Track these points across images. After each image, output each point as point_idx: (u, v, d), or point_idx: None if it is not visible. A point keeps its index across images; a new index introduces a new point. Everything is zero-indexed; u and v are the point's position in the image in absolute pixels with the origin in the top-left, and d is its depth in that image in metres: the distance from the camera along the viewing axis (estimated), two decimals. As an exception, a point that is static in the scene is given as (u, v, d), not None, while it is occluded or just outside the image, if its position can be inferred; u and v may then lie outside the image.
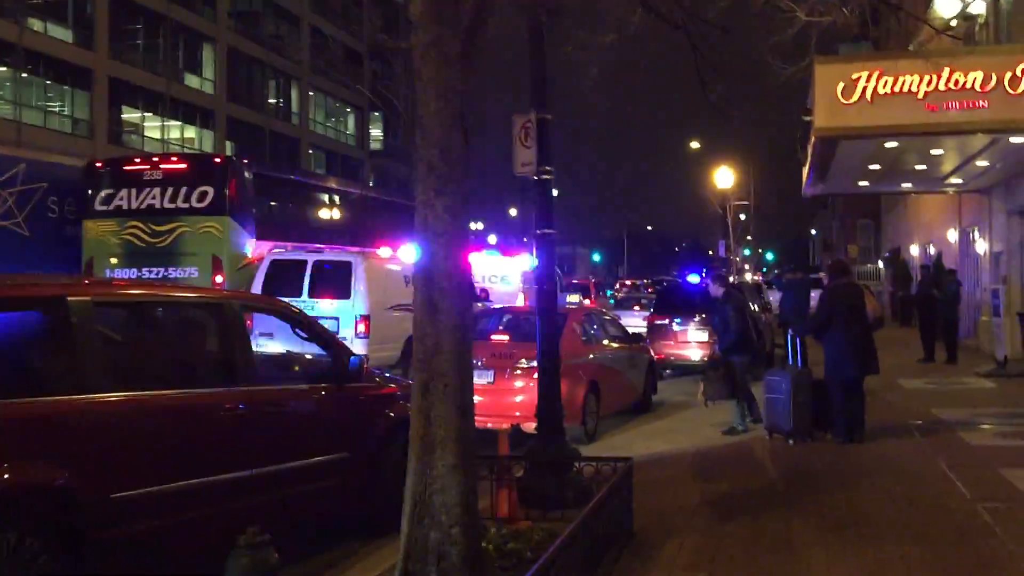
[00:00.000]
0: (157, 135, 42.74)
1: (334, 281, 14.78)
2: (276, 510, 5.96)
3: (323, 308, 14.49)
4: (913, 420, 11.37)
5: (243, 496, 5.71)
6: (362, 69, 63.30)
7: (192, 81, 45.60)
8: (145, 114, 42.74)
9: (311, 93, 57.87)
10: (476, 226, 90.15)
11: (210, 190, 16.33)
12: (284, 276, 15.03)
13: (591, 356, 11.57)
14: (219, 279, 16.11)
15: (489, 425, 10.42)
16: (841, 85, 13.96)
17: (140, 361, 5.92)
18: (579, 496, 6.89)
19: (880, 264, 43.57)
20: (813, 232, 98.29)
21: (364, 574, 6.08)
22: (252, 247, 16.73)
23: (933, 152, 17.60)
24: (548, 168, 7.65)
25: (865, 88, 13.94)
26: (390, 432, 7.02)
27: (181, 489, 5.30)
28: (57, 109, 38.25)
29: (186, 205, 16.34)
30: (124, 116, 41.60)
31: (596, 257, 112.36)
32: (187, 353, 6.34)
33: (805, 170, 20.76)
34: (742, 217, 49.50)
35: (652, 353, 14.27)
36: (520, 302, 22.88)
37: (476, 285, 19.76)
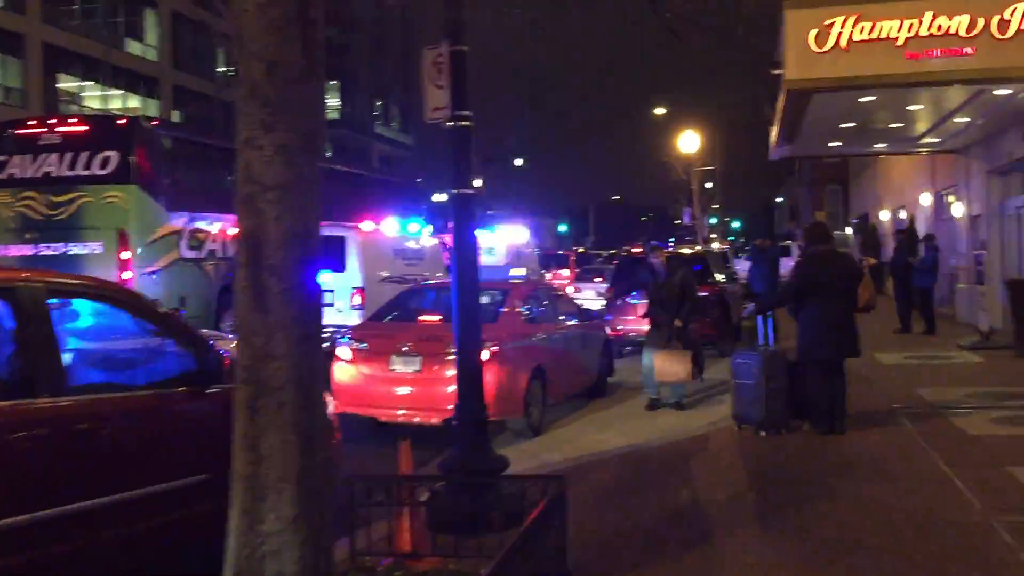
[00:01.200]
0: (98, 104, 40.60)
1: (328, 254, 14.71)
2: (100, 557, 4.53)
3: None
4: (898, 404, 10.08)
5: (45, 544, 4.27)
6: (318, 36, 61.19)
7: (134, 47, 43.43)
8: (84, 82, 40.62)
9: (263, 61, 55.66)
10: (440, 198, 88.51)
11: (114, 155, 14.49)
12: None
13: (536, 337, 10.17)
14: (125, 255, 14.45)
15: (417, 420, 9.10)
16: (814, 32, 12.58)
17: None
18: (507, 518, 5.51)
19: (848, 230, 42.53)
20: (779, 200, 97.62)
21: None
22: (165, 219, 15.11)
23: (910, 108, 16.33)
24: (466, 113, 6.19)
25: (840, 35, 12.57)
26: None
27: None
28: (-14, 77, 36.10)
29: (87, 172, 14.55)
30: (60, 85, 39.43)
31: (562, 228, 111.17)
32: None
33: (774, 131, 19.41)
34: (708, 185, 48.23)
35: (607, 331, 12.89)
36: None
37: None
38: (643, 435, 9.40)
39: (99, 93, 41.18)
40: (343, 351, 9.55)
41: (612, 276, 16.89)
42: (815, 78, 13.26)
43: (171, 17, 45.13)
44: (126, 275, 14.36)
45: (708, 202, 46.46)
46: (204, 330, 8.39)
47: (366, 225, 16.61)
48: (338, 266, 15.52)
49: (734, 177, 54.53)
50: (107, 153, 14.59)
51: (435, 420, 8.86)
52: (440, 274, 17.52)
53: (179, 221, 15.33)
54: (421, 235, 18.93)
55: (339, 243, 15.64)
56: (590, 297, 22.83)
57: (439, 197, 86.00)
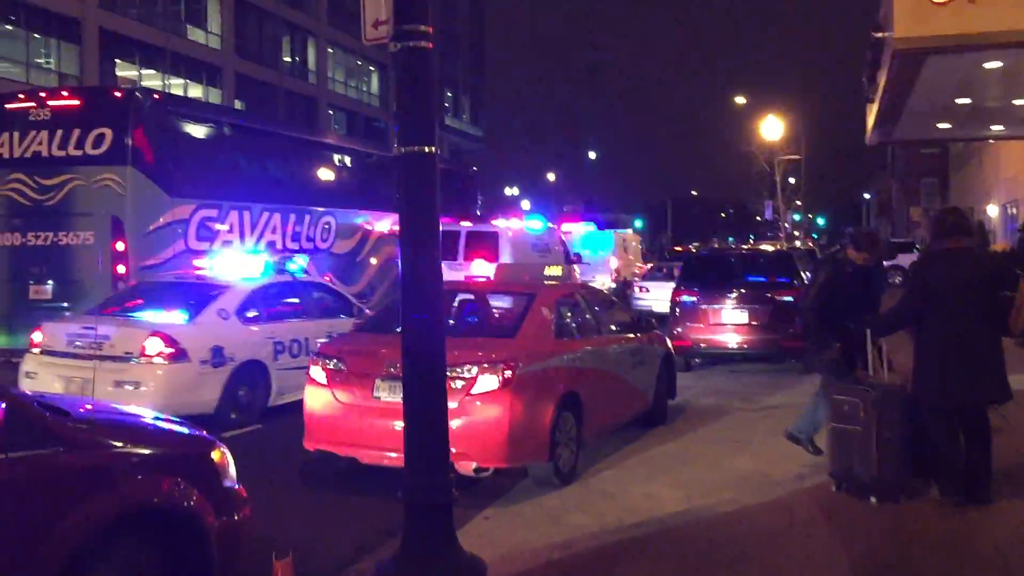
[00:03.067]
0: (157, 94, 39.54)
1: (486, 247, 17.27)
2: None
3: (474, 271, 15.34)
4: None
5: None
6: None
7: (196, 35, 42.38)
8: (143, 70, 39.62)
9: (330, 49, 54.40)
10: (512, 191, 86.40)
11: (108, 133, 12.67)
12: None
13: (569, 356, 7.88)
14: (119, 246, 12.68)
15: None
16: (933, -26, 10.14)
17: None
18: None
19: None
20: (866, 196, 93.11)
21: None
22: (169, 206, 13.27)
23: (1045, 78, 13.58)
24: (420, 29, 4.00)
25: (966, -22, 10.11)
26: (97, 536, 3.53)
27: None
28: (43, 64, 35.16)
29: (79, 152, 12.79)
30: (119, 73, 38.43)
31: (638, 223, 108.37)
32: None
33: (873, 109, 16.75)
34: (791, 181, 45.05)
35: (669, 344, 10.55)
36: (613, 266, 26.11)
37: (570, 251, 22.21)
38: (706, 490, 7.09)
39: (159, 81, 40.14)
40: (316, 372, 7.45)
41: (680, 276, 14.48)
42: (931, 35, 10.73)
43: (234, 4, 43.97)
44: (120, 269, 12.65)
45: (792, 197, 43.22)
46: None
47: (513, 223, 19.34)
48: (493, 256, 16.93)
49: (820, 171, 51.01)
50: (101, 130, 12.78)
51: None
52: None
53: (186, 208, 13.54)
54: (545, 230, 20.85)
55: (494, 238, 17.80)
56: (661, 298, 20.57)
57: (511, 191, 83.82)
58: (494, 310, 8.50)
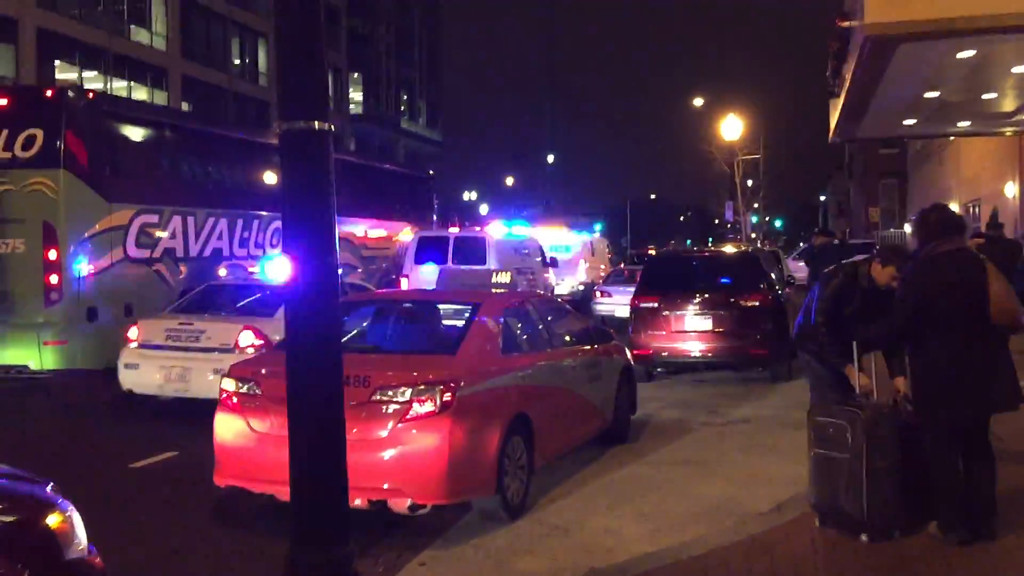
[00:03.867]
0: (99, 95, 38.12)
1: (474, 252, 18.53)
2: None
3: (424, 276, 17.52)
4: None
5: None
6: (339, 28, 58.45)
7: (140, 35, 41.06)
8: (84, 72, 38.19)
9: (281, 51, 53.16)
10: (470, 196, 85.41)
11: (39, 135, 12.06)
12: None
13: (519, 373, 7.01)
14: (52, 255, 11.96)
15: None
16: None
17: None
18: None
19: (907, 228, 38.83)
20: (822, 198, 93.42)
21: None
22: (106, 212, 12.62)
23: (1016, 70, 13.00)
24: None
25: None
26: None
27: None
28: (-25, 65, 33.73)
29: (8, 155, 12.17)
30: (59, 75, 37.01)
31: (598, 227, 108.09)
32: None
33: (837, 104, 16.14)
34: (749, 183, 44.62)
35: (628, 355, 9.72)
36: (581, 270, 26.96)
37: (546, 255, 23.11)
38: (674, 522, 6.26)
39: (101, 83, 38.74)
40: (227, 398, 6.50)
41: (639, 281, 13.63)
42: (905, 20, 10.05)
43: (180, 4, 42.66)
44: (53, 279, 11.93)
45: (751, 199, 42.66)
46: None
47: (497, 229, 20.56)
48: (481, 261, 18.14)
49: (779, 170, 50.65)
50: (32, 132, 12.22)
51: (358, 502, 5.79)
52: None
53: (124, 214, 12.88)
54: (528, 237, 22.47)
55: (481, 243, 18.99)
56: (622, 303, 19.89)
57: (470, 195, 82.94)
58: (434, 323, 7.58)
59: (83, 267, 12.23)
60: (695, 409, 10.69)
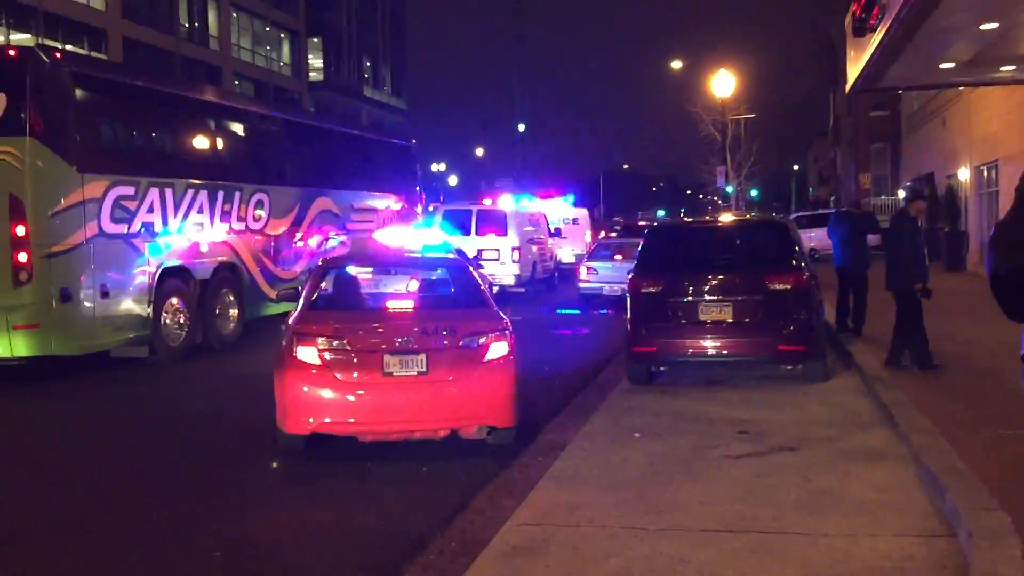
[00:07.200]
0: (29, 58, 34.90)
1: (496, 224, 21.40)
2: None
3: (486, 243, 21.17)
4: None
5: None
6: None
7: (77, -7, 37.80)
8: (13, 34, 35.00)
9: (234, 14, 49.97)
10: (439, 167, 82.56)
11: (2, 99, 10.98)
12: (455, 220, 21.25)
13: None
14: (20, 230, 10.87)
15: (417, 435, 7.52)
16: None
17: None
18: None
19: (900, 194, 36.59)
20: (795, 168, 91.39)
21: None
22: (77, 184, 11.43)
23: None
24: None
25: None
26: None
27: None
28: None
29: None
30: (-16, 35, 33.87)
31: (570, 198, 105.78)
32: None
33: (867, 45, 13.55)
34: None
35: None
36: (587, 238, 30.28)
37: (552, 226, 25.79)
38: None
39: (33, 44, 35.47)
40: (305, 352, 7.24)
41: (639, 259, 10.91)
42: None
43: (121, -40, 39.45)
44: (22, 257, 10.88)
45: (741, 165, 39.69)
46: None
47: (507, 202, 22.65)
48: (502, 231, 21.06)
49: (762, 130, 47.87)
50: None
51: (443, 433, 7.34)
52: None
53: (98, 185, 11.74)
54: (535, 208, 25.03)
55: (501, 216, 21.55)
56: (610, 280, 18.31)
57: (439, 166, 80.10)
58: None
59: (54, 244, 11.16)
60: (715, 427, 8.08)
